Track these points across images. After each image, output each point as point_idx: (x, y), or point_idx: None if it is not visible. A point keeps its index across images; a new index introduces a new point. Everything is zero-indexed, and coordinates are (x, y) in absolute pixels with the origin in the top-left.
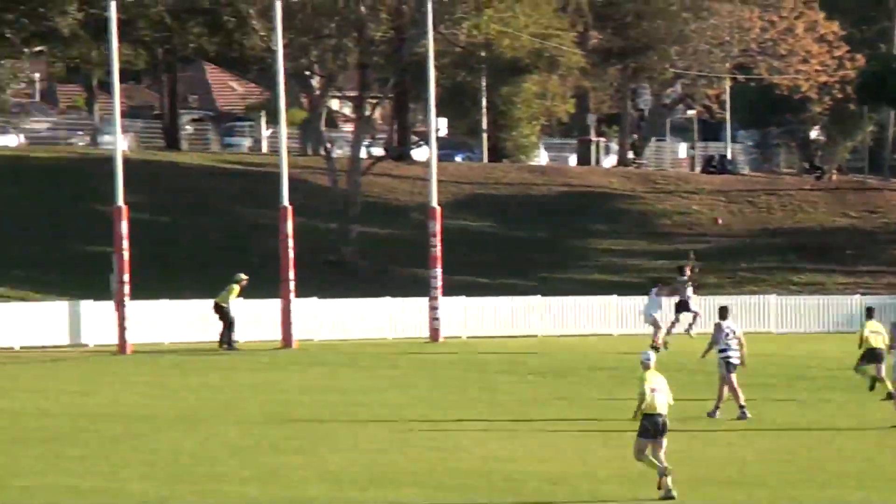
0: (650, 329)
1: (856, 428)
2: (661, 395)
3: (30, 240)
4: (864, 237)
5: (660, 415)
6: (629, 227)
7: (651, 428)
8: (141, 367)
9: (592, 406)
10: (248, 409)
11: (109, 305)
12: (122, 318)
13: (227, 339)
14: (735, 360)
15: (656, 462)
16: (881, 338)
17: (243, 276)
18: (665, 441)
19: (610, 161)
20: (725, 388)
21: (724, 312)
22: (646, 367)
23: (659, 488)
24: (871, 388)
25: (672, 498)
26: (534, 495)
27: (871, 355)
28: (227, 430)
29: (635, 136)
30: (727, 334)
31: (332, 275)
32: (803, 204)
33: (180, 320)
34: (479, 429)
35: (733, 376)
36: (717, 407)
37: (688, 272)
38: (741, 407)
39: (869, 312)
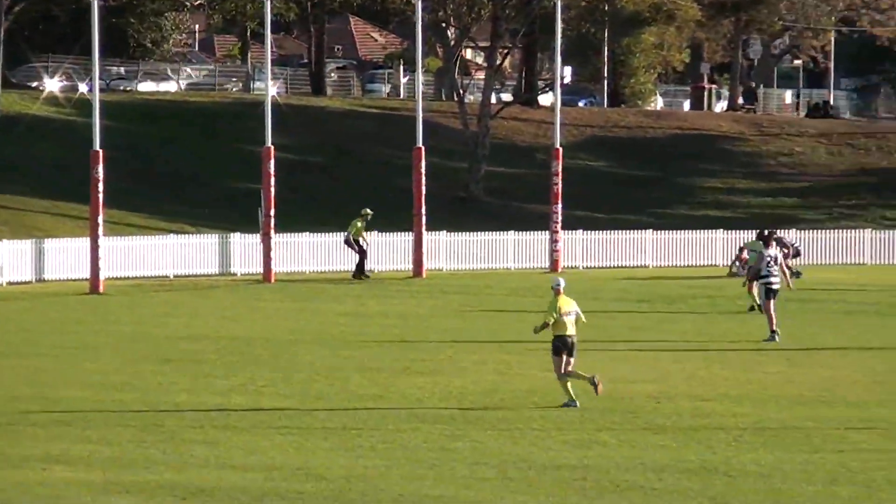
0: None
1: None
2: (571, 318)
3: (186, 177)
4: None
5: (570, 336)
6: (737, 167)
7: (562, 346)
8: (283, 295)
9: (696, 331)
10: (379, 333)
11: (256, 238)
12: (267, 250)
13: (360, 270)
14: (776, 287)
15: (581, 374)
16: None
17: (368, 210)
18: (574, 359)
19: (721, 106)
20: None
21: (766, 240)
22: (556, 292)
23: (597, 391)
24: None
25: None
26: (638, 412)
27: None
28: (360, 352)
29: (749, 83)
30: (769, 262)
31: (461, 210)
32: None
33: (320, 252)
34: (592, 349)
35: (772, 302)
36: (773, 331)
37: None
38: (773, 331)
39: None
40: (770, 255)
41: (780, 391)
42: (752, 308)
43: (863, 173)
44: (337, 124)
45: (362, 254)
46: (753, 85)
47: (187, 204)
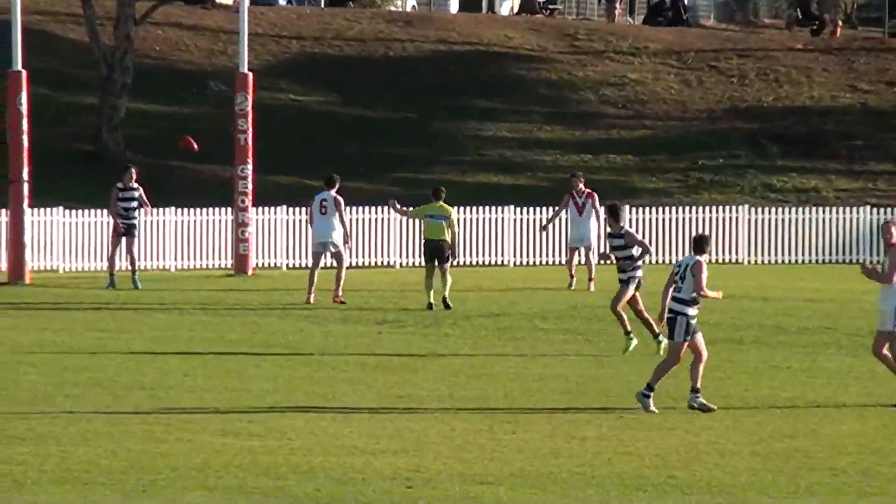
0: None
1: None
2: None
3: None
4: (878, 122)
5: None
6: (535, 105)
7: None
8: None
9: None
10: None
11: None
12: None
13: None
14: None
15: None
16: None
17: None
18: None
19: (509, 7)
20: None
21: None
22: None
23: None
24: None
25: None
26: None
27: None
28: None
29: None
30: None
31: (88, 174)
32: (793, 71)
33: None
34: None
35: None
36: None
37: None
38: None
39: None
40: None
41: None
42: None
43: (736, 116)
44: None
45: None
46: None
47: None
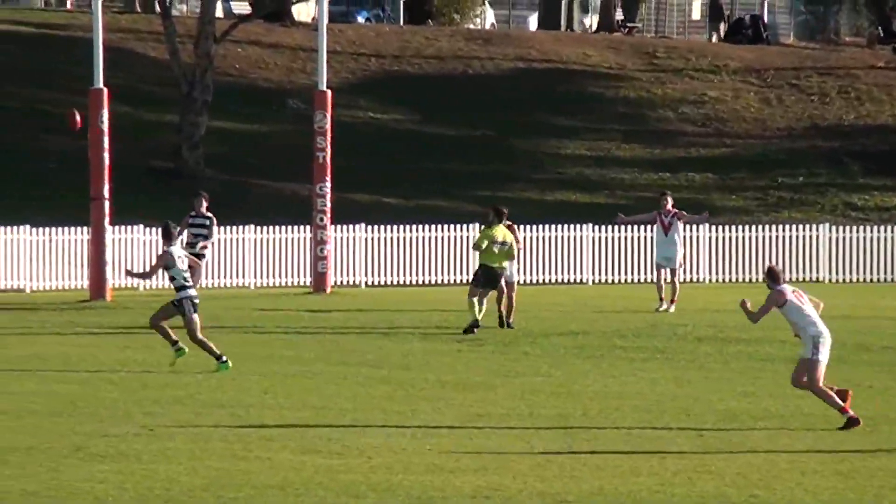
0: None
1: None
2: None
3: None
4: None
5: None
6: (614, 123)
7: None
8: None
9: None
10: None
11: None
12: None
13: None
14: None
15: None
16: None
17: None
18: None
19: (588, 24)
20: None
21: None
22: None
23: None
24: None
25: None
26: None
27: None
28: None
29: None
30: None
31: (166, 192)
32: (874, 89)
33: None
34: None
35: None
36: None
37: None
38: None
39: None
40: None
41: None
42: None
43: (816, 134)
44: None
45: None
46: None
47: None
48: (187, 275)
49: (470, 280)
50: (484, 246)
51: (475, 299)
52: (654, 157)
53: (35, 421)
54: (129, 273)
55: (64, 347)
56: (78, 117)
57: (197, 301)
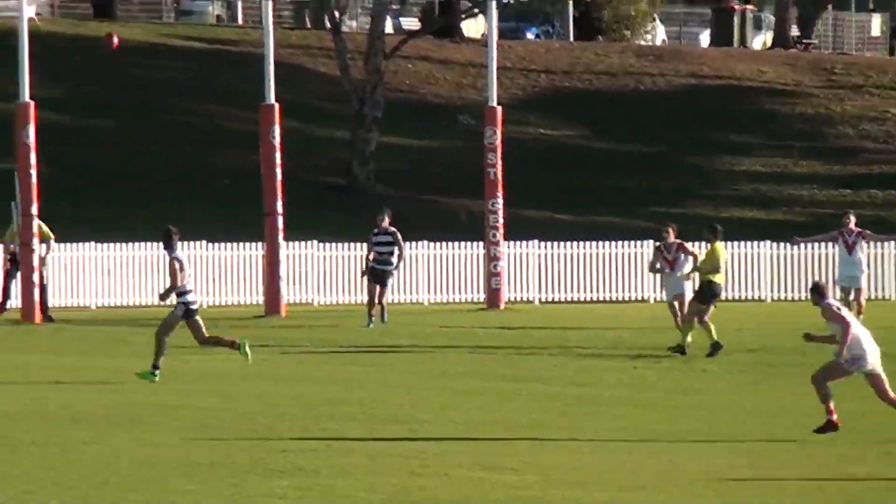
0: None
1: None
2: None
3: None
4: None
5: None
6: (791, 140)
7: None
8: (54, 344)
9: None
10: (216, 406)
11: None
12: (28, 271)
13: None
14: None
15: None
16: None
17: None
18: None
19: (762, 40)
20: None
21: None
22: None
23: None
24: None
25: None
26: None
27: None
28: (176, 437)
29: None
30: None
31: (337, 207)
32: None
33: (113, 273)
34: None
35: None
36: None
37: None
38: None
39: None
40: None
41: None
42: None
43: None
44: (133, 66)
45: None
46: (814, 6)
47: None
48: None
49: (691, 298)
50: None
51: (697, 319)
52: (833, 173)
53: (216, 435)
54: (163, 297)
55: (241, 363)
56: (115, 39)
57: (195, 307)
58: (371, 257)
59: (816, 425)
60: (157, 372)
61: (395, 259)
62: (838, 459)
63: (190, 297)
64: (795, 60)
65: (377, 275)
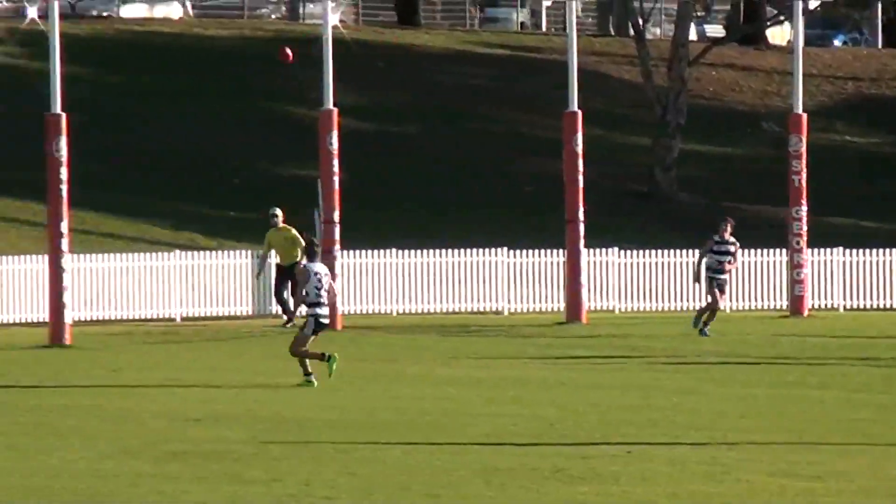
0: None
1: None
2: None
3: (195, 158)
4: None
5: None
6: None
7: None
8: (355, 350)
9: None
10: (512, 413)
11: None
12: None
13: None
14: None
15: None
16: None
17: (277, 210)
18: None
19: None
20: None
21: None
22: None
23: None
24: None
25: None
26: None
27: None
28: (479, 446)
29: None
30: None
31: (640, 213)
32: None
33: (412, 281)
34: None
35: None
36: None
37: None
38: None
39: None
40: None
41: None
42: None
43: None
44: (437, 73)
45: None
46: None
47: (197, 201)
48: (322, 292)
49: None
50: None
51: None
52: None
53: (516, 442)
54: (298, 305)
55: (542, 370)
56: (289, 51)
57: (325, 321)
58: (706, 264)
59: None
60: (312, 377)
61: (728, 266)
62: None
63: (320, 311)
64: None
65: (720, 284)
